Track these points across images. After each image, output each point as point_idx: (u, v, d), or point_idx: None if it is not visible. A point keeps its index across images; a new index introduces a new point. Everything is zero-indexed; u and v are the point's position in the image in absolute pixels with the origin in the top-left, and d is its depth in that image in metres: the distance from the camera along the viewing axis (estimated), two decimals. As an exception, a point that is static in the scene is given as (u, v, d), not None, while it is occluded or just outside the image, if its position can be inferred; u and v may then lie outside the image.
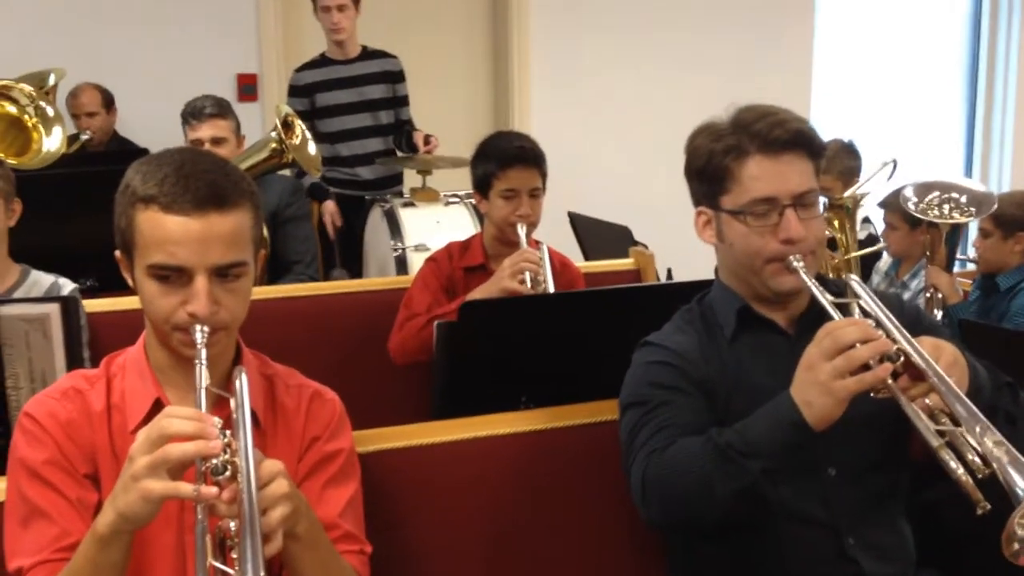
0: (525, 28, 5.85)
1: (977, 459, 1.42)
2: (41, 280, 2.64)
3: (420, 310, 2.77)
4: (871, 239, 4.36)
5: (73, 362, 1.86)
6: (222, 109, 3.76)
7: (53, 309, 1.86)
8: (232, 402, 1.39)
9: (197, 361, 1.41)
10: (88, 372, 1.58)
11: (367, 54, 4.74)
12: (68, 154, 3.92)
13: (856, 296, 1.69)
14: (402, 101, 4.80)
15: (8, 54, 4.47)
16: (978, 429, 1.44)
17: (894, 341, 1.54)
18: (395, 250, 4.19)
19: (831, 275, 3.84)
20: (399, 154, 4.76)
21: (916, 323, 1.73)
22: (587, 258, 4.15)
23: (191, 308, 1.43)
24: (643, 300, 2.11)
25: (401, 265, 4.12)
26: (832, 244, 3.93)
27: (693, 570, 1.85)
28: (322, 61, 4.71)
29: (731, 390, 1.73)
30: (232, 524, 1.27)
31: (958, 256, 3.59)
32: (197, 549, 1.26)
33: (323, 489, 1.56)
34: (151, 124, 4.36)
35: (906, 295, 3.78)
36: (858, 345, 1.50)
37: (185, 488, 1.26)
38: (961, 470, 1.42)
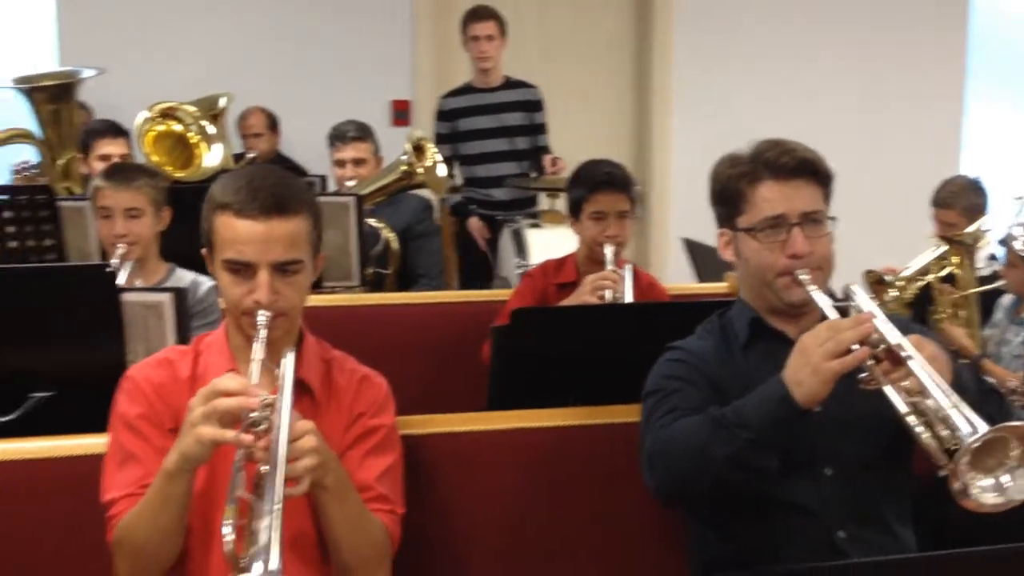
0: (668, 58, 6.05)
1: (946, 432, 1.58)
2: (184, 277, 3.02)
3: (513, 321, 3.03)
4: (997, 276, 4.34)
5: (182, 341, 2.22)
6: (363, 133, 4.16)
7: (167, 298, 2.24)
8: (277, 372, 1.68)
9: (256, 340, 1.72)
10: (181, 347, 1.93)
11: (509, 84, 5.06)
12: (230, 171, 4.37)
13: (854, 301, 1.86)
14: (539, 129, 5.09)
15: (190, 79, 5.02)
16: (950, 405, 1.58)
17: (881, 333, 1.71)
18: (519, 268, 4.47)
19: (949, 310, 3.90)
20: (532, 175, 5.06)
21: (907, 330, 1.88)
22: (701, 282, 4.33)
23: (255, 296, 1.74)
24: (677, 314, 2.30)
25: (524, 282, 4.39)
26: (951, 279, 3.95)
27: (706, 558, 2.03)
28: (466, 89, 5.07)
29: (741, 392, 1.91)
30: (265, 468, 1.56)
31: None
32: (231, 482, 1.56)
33: (363, 457, 1.84)
34: (311, 145, 4.80)
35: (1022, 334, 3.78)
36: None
37: (228, 434, 1.56)
38: (928, 434, 1.60)
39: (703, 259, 4.46)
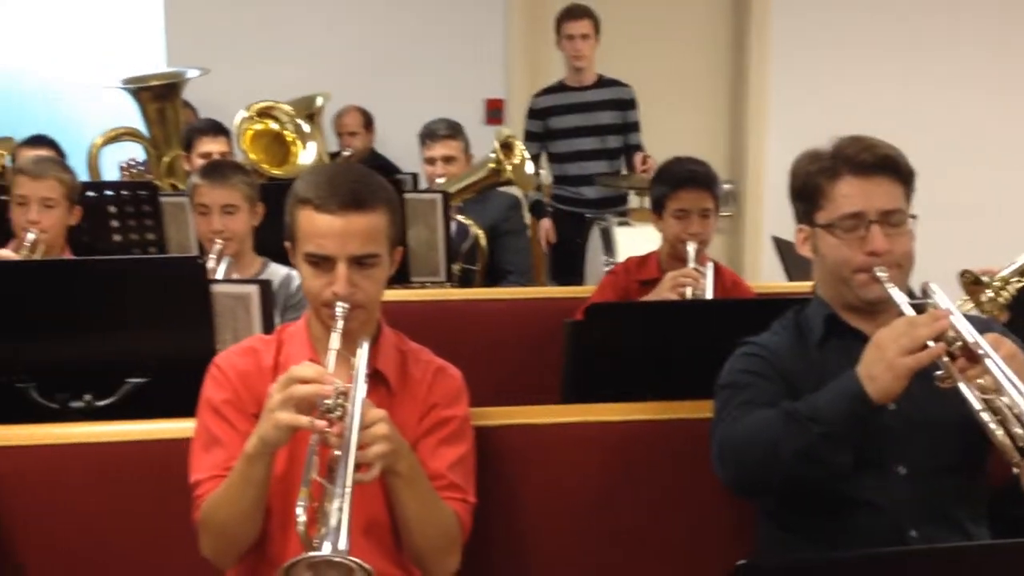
0: (765, 53, 5.98)
1: (1021, 430, 1.58)
2: (277, 271, 3.11)
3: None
4: None
5: (267, 331, 2.31)
6: (453, 131, 4.23)
7: (253, 290, 2.33)
8: (352, 362, 1.74)
9: (334, 330, 1.79)
10: (265, 336, 2.01)
11: (601, 82, 5.07)
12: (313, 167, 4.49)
13: (932, 299, 1.84)
14: (632, 127, 5.09)
15: (290, 79, 5.17)
16: None
17: (958, 331, 1.70)
18: (607, 265, 4.48)
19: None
20: (623, 173, 5.07)
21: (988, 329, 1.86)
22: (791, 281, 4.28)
23: (334, 288, 1.80)
24: (752, 311, 2.29)
25: (612, 279, 4.41)
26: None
27: (776, 554, 2.03)
28: (558, 87, 5.10)
29: (814, 388, 1.91)
30: (338, 453, 1.62)
31: None
32: (306, 466, 1.62)
33: (436, 447, 1.89)
34: (406, 143, 4.89)
35: None
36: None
37: (303, 419, 1.63)
38: (1001, 432, 1.59)
39: (793, 258, 4.41)
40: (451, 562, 1.86)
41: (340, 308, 1.80)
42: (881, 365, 1.70)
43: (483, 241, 4.07)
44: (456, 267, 3.92)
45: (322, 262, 1.82)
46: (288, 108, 4.18)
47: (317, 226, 1.81)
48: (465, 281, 4.01)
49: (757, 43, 6.01)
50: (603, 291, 3.20)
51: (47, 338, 2.29)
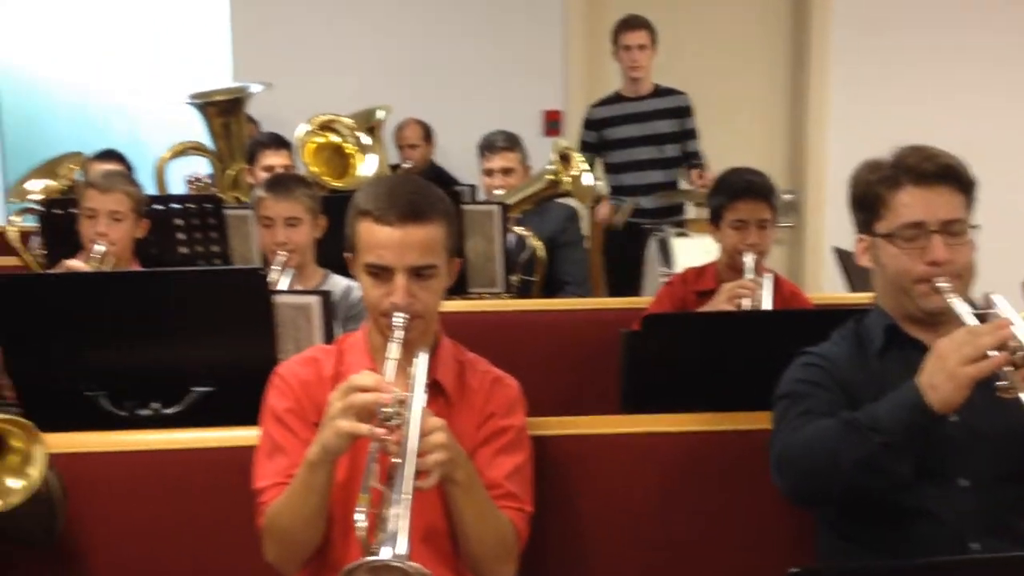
0: (825, 64, 5.94)
1: None
2: (338, 282, 3.16)
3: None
4: None
5: (327, 341, 2.35)
6: (511, 143, 4.26)
7: (315, 300, 2.38)
8: (410, 371, 1.77)
9: (392, 340, 1.82)
10: (326, 346, 2.05)
11: (658, 92, 5.08)
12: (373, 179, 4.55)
13: (994, 309, 1.82)
14: (689, 134, 5.09)
15: (351, 93, 5.24)
16: None
17: (1020, 340, 1.68)
18: (664, 276, 4.47)
19: None
20: (681, 186, 5.05)
21: None
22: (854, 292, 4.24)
23: (392, 299, 1.84)
24: (810, 322, 2.29)
25: (669, 291, 4.40)
26: None
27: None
28: (615, 98, 5.11)
29: (874, 398, 1.89)
30: (397, 461, 1.65)
31: None
32: (365, 473, 1.66)
33: (494, 456, 1.91)
34: (465, 155, 4.94)
35: None
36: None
37: (363, 427, 1.66)
38: None
39: (855, 269, 4.36)
40: (507, 570, 1.87)
41: (399, 318, 1.83)
42: (942, 375, 1.68)
43: (541, 252, 4.08)
44: (514, 278, 3.94)
45: (381, 272, 1.85)
46: (349, 121, 4.24)
47: (377, 237, 1.84)
48: (523, 292, 4.03)
49: (818, 53, 5.97)
50: (660, 302, 3.20)
51: (116, 348, 2.35)
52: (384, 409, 1.66)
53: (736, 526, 2.16)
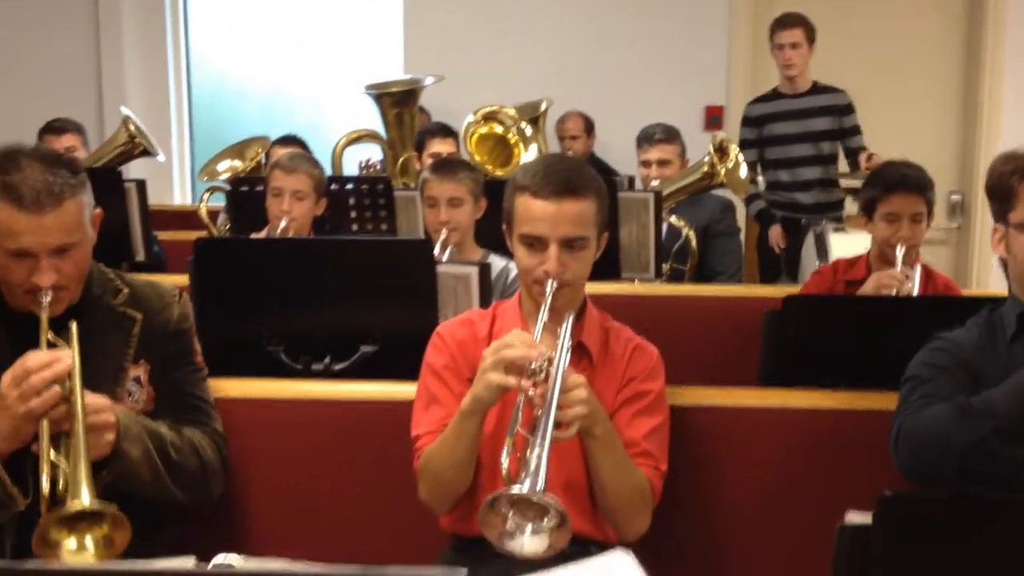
0: (1000, 59, 5.79)
1: None
2: (497, 262, 3.32)
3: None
4: None
5: (483, 307, 2.53)
6: (669, 135, 4.36)
7: (473, 271, 2.57)
8: (559, 332, 1.93)
9: (543, 305, 1.98)
10: (481, 310, 2.23)
11: (816, 89, 5.06)
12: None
13: None
14: (851, 131, 5.04)
15: (518, 85, 5.44)
16: None
17: None
18: (818, 270, 4.49)
19: None
20: (842, 184, 5.03)
21: None
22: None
23: (545, 267, 2.00)
24: (947, 309, 2.31)
25: (826, 282, 4.41)
26: None
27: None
28: (773, 95, 5.13)
29: (1001, 382, 1.95)
30: (540, 412, 1.81)
31: None
32: (512, 419, 1.83)
33: (632, 417, 2.05)
34: (625, 148, 5.04)
35: None
36: None
37: (511, 380, 1.83)
38: None
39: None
40: (641, 522, 2.01)
41: (550, 285, 1.99)
42: None
43: (694, 242, 4.17)
44: (666, 266, 4.05)
45: (536, 243, 2.01)
46: (512, 112, 4.43)
47: (532, 210, 2.00)
48: (674, 279, 4.13)
49: (991, 52, 5.82)
50: (807, 289, 3.26)
51: (294, 309, 2.60)
52: (531, 365, 1.83)
53: (866, 502, 2.22)
